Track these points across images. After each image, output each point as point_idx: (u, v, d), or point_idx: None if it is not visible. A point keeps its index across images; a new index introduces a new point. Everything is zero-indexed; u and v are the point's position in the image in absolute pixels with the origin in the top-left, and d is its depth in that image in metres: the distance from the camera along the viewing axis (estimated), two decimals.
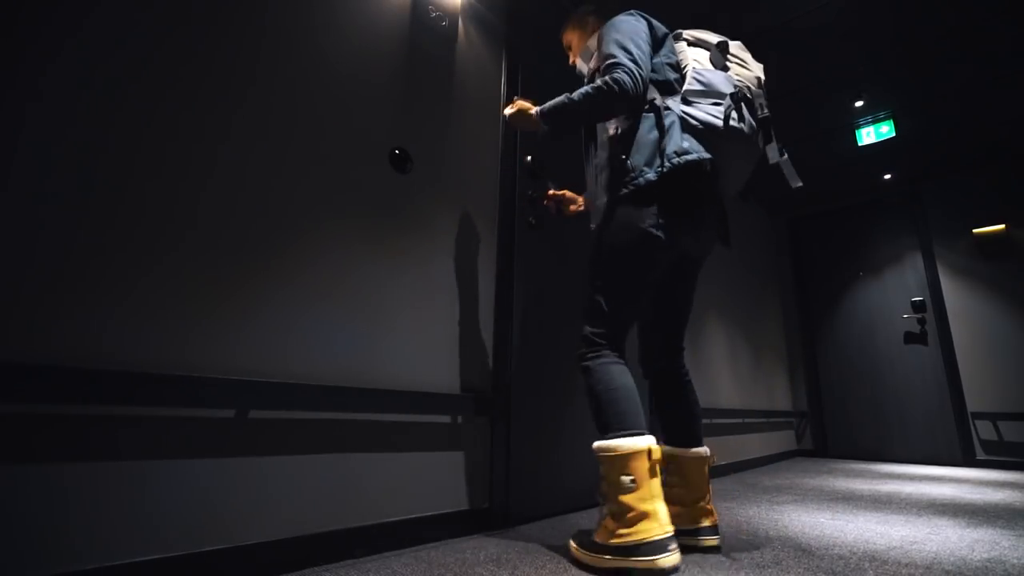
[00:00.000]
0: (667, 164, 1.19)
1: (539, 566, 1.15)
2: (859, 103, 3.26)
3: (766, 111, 1.27)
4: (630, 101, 1.23)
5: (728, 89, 1.24)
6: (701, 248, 1.37)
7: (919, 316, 4.01)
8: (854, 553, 1.30)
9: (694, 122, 1.22)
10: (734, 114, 1.21)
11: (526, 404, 1.82)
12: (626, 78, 1.20)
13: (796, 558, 1.25)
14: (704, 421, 2.94)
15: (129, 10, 1.03)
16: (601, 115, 1.31)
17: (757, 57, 1.40)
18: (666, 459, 1.36)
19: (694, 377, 2.95)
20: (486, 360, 1.65)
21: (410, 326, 1.44)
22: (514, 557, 1.23)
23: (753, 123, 1.26)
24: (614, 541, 1.07)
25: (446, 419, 1.48)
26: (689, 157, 1.19)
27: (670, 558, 1.02)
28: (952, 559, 1.26)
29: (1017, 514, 1.85)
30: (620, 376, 1.21)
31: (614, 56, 1.24)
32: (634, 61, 1.24)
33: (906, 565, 1.20)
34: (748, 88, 1.29)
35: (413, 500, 1.35)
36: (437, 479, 1.43)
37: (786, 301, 4.75)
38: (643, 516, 1.05)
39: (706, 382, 3.08)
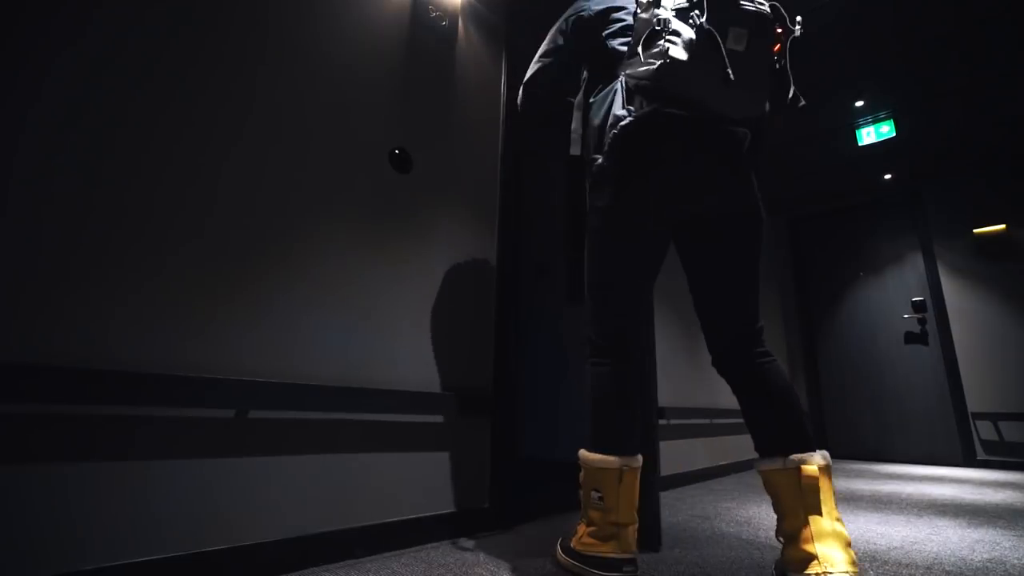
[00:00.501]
0: (606, 143, 1.08)
1: (539, 566, 1.15)
2: (859, 103, 3.26)
3: (701, 20, 0.91)
4: (531, 111, 1.37)
5: (656, 20, 0.96)
6: (719, 203, 1.10)
7: (919, 316, 4.01)
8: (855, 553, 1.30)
9: (632, 82, 1.04)
10: (670, 40, 0.91)
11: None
12: (534, 71, 1.32)
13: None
14: (704, 421, 2.96)
15: (130, 11, 1.03)
16: (536, 114, 1.41)
17: None
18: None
19: (696, 377, 2.98)
20: (487, 360, 1.64)
21: (411, 326, 1.44)
22: (514, 557, 1.23)
23: (694, 40, 0.91)
24: (578, 547, 1.10)
25: (447, 419, 1.48)
26: (623, 123, 1.04)
27: None
28: (953, 560, 1.26)
29: (1018, 514, 1.85)
30: (608, 385, 1.12)
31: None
32: (534, 72, 1.33)
33: (907, 565, 1.20)
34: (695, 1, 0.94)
35: (413, 500, 1.35)
36: (437, 479, 1.43)
37: (786, 301, 4.74)
38: (606, 534, 1.06)
39: (706, 382, 3.08)
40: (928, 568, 1.18)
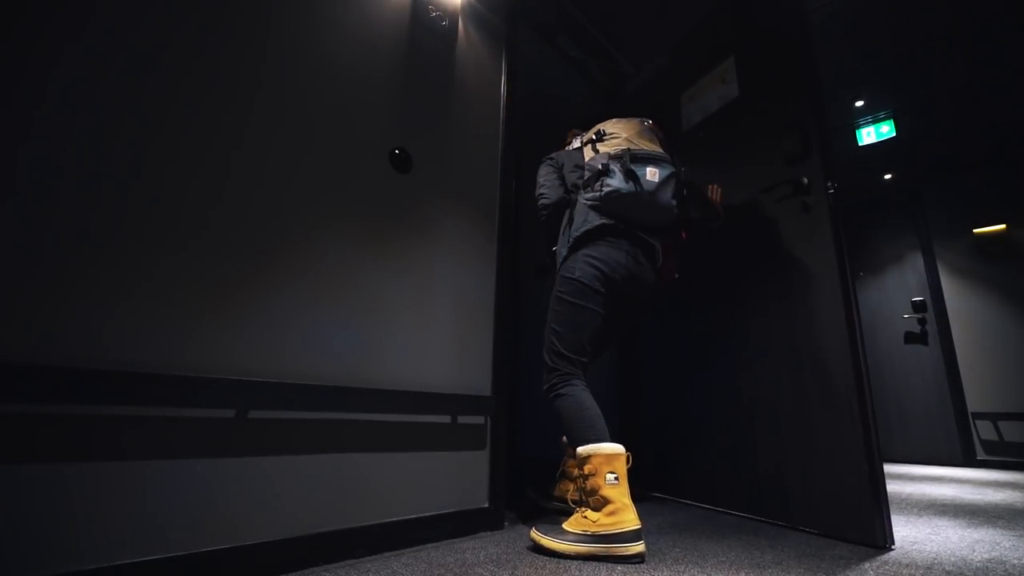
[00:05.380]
0: (570, 239, 1.53)
1: (539, 566, 1.15)
2: (859, 103, 3.26)
3: (628, 163, 1.49)
4: (553, 209, 1.64)
5: (599, 165, 1.53)
6: (634, 284, 1.56)
7: (919, 316, 4.01)
8: (854, 554, 1.30)
9: (590, 202, 1.53)
10: (608, 180, 1.49)
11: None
12: (543, 201, 1.66)
13: (797, 558, 1.25)
14: None
15: (130, 11, 1.03)
16: (550, 227, 1.68)
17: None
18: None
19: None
20: (486, 360, 1.64)
21: (410, 326, 1.44)
22: (514, 557, 1.23)
23: (624, 175, 1.49)
24: (598, 529, 1.22)
25: (446, 419, 1.48)
26: (586, 227, 1.49)
27: (642, 546, 1.21)
28: (953, 559, 1.26)
29: (1018, 514, 1.85)
30: (588, 398, 1.42)
31: (536, 191, 1.70)
32: (545, 188, 1.67)
33: (907, 565, 1.20)
34: (620, 152, 1.52)
35: (413, 500, 1.35)
36: (437, 479, 1.42)
37: None
38: (623, 508, 1.23)
39: None
40: (928, 568, 1.18)
